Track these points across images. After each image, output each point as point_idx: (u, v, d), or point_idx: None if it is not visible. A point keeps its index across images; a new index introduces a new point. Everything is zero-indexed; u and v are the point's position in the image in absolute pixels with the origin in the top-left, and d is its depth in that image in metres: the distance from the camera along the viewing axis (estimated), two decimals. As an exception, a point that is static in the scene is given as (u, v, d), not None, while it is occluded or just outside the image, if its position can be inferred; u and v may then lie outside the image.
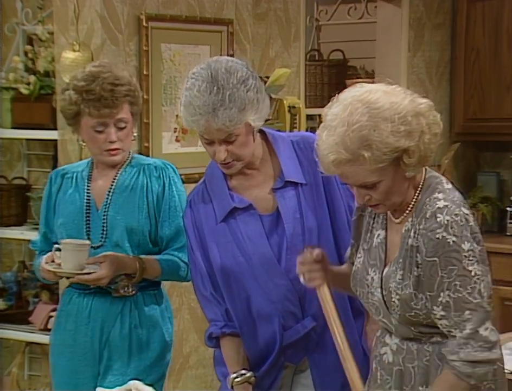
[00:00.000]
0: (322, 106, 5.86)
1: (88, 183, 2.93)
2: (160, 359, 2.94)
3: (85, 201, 2.91)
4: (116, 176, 2.92)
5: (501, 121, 4.90)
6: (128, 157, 2.94)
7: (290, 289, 2.51)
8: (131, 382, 2.40)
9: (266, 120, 2.57)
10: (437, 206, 2.12)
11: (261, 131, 2.57)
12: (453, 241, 2.08)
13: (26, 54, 4.26)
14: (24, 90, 4.09)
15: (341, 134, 2.08)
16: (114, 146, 2.84)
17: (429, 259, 2.11)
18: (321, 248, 2.44)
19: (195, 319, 4.20)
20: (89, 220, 2.89)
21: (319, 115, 5.24)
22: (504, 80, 4.93)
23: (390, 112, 2.08)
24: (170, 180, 2.90)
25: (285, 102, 4.37)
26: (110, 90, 2.78)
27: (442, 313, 2.11)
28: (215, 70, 2.41)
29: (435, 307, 2.11)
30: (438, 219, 2.10)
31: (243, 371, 2.55)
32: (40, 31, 4.16)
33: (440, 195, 2.14)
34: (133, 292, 2.90)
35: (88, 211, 2.90)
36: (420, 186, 2.18)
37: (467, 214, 2.11)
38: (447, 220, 2.09)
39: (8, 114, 4.18)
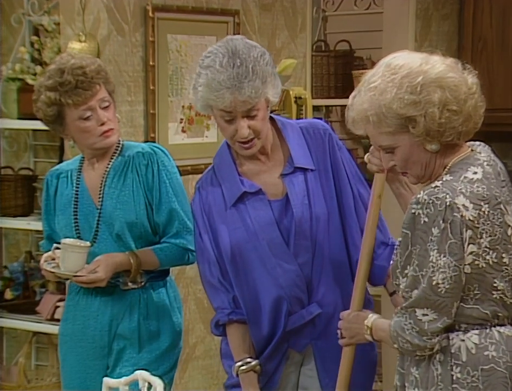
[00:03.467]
0: (329, 97, 5.84)
1: (77, 180, 2.91)
2: (171, 349, 2.94)
3: (73, 197, 2.90)
4: (107, 168, 2.89)
5: (509, 112, 4.88)
6: (119, 145, 2.93)
7: (299, 274, 2.52)
8: (137, 372, 2.40)
9: (273, 111, 2.58)
10: (431, 185, 2.13)
11: (270, 118, 2.58)
12: (424, 221, 2.09)
13: (32, 44, 4.26)
14: (30, 81, 4.09)
15: (359, 94, 2.16)
16: (106, 127, 2.82)
17: (404, 230, 2.14)
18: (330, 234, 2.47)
19: (201, 310, 4.20)
20: (76, 216, 2.88)
21: (326, 106, 5.27)
22: (511, 70, 4.92)
23: (404, 79, 2.10)
24: (158, 166, 2.87)
25: (291, 93, 4.36)
26: (82, 74, 2.78)
27: (404, 284, 2.14)
28: (233, 46, 2.45)
29: (401, 277, 2.15)
30: (419, 196, 2.12)
31: (249, 359, 2.56)
32: (46, 21, 4.16)
33: (445, 177, 2.14)
34: (142, 283, 2.90)
35: (75, 206, 2.89)
36: (448, 167, 2.17)
37: (456, 205, 2.08)
38: (424, 199, 2.10)
39: (14, 105, 4.18)
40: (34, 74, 4.09)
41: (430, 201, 2.09)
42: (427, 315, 2.10)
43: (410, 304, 2.12)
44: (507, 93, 5.03)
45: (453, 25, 5.19)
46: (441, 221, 2.08)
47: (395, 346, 2.15)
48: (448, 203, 2.08)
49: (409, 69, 2.11)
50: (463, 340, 2.13)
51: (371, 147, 2.33)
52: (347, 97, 5.76)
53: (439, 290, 2.08)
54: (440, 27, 5.17)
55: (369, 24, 5.10)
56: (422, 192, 2.11)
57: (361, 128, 2.18)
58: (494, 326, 2.16)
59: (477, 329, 2.15)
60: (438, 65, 2.14)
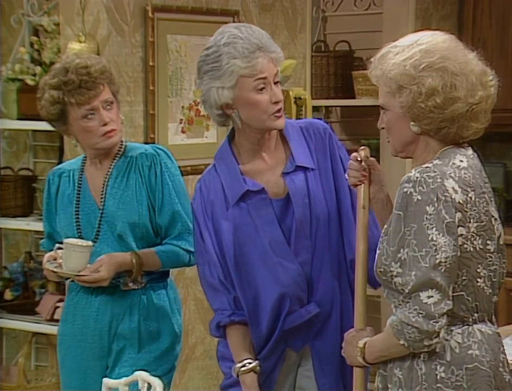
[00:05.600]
0: (329, 97, 5.83)
1: (79, 180, 2.92)
2: (170, 350, 2.94)
3: (75, 197, 2.90)
4: (110, 168, 2.90)
5: (508, 112, 4.88)
6: (122, 146, 2.93)
7: (301, 273, 2.53)
8: (137, 372, 2.40)
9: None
10: (422, 165, 2.14)
11: None
12: (418, 199, 2.08)
13: (32, 45, 4.27)
14: (30, 81, 4.10)
15: (390, 45, 2.20)
16: (109, 127, 2.82)
17: (396, 212, 2.12)
18: (330, 235, 2.51)
19: (201, 310, 4.20)
20: (78, 216, 2.88)
21: (325, 106, 5.27)
22: (511, 70, 4.91)
23: (419, 53, 2.14)
24: (161, 167, 2.88)
25: (290, 93, 4.37)
26: (86, 73, 2.79)
27: (399, 270, 2.11)
28: (237, 25, 2.53)
29: (393, 263, 2.12)
30: (410, 174, 2.12)
31: (249, 360, 2.56)
32: (46, 22, 4.16)
33: (435, 161, 2.15)
34: (143, 284, 2.90)
35: (77, 205, 2.89)
36: (438, 154, 2.18)
37: (445, 186, 2.09)
38: (416, 177, 2.10)
39: (14, 105, 4.19)
40: (34, 75, 4.10)
41: (423, 179, 2.09)
42: (432, 296, 2.06)
43: (413, 289, 2.07)
44: (507, 94, 5.02)
45: (452, 25, 5.19)
46: (435, 199, 2.08)
47: (401, 341, 2.10)
48: (439, 183, 2.09)
49: (431, 48, 2.15)
50: (447, 340, 2.12)
51: (349, 161, 2.35)
52: (347, 98, 5.76)
53: (441, 269, 2.06)
54: (440, 27, 5.14)
55: (369, 25, 5.10)
56: (413, 171, 2.12)
57: (374, 79, 2.21)
58: (475, 323, 2.15)
59: (459, 327, 2.14)
60: (459, 61, 2.15)
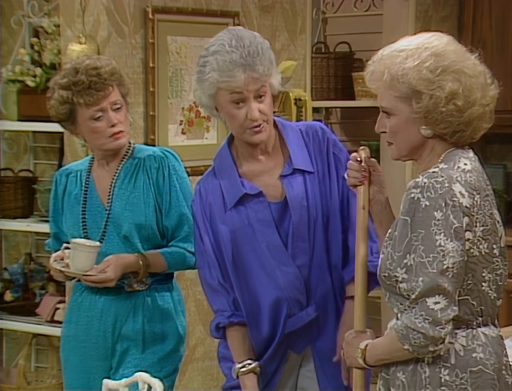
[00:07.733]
0: (329, 99, 5.83)
1: (87, 180, 2.92)
2: (174, 352, 2.94)
3: (82, 197, 2.90)
4: (117, 169, 2.91)
5: (508, 114, 4.88)
6: (130, 147, 2.94)
7: (298, 276, 2.53)
8: (137, 373, 2.39)
9: (273, 112, 2.58)
10: (429, 170, 2.13)
11: None
12: (426, 205, 2.07)
13: (32, 46, 4.28)
14: (30, 82, 4.11)
15: (389, 49, 2.19)
16: (117, 129, 2.83)
17: (402, 217, 2.11)
18: (329, 236, 2.51)
19: (201, 311, 4.20)
20: (84, 216, 2.89)
21: (325, 108, 5.27)
22: (511, 72, 4.91)
23: (432, 57, 2.13)
24: (169, 170, 2.89)
25: (291, 95, 4.37)
26: (96, 75, 2.80)
27: (405, 275, 2.10)
28: (236, 32, 2.51)
29: (398, 269, 2.10)
30: (417, 179, 2.11)
31: (249, 361, 2.56)
32: (46, 23, 4.16)
33: (441, 165, 2.14)
34: (147, 286, 2.90)
35: (84, 206, 2.90)
36: (442, 156, 2.17)
37: (453, 191, 2.08)
38: (424, 183, 2.09)
39: (14, 106, 4.19)
40: (34, 76, 4.10)
41: (430, 184, 2.08)
42: (439, 302, 2.05)
43: (420, 295, 2.06)
44: (507, 95, 5.02)
45: (452, 27, 5.19)
46: (443, 204, 2.07)
47: (406, 346, 2.09)
48: (447, 187, 2.08)
49: (441, 51, 2.14)
50: (451, 343, 2.12)
51: (349, 161, 2.35)
52: (347, 99, 5.76)
53: (449, 274, 2.05)
54: (440, 29, 5.16)
55: (369, 26, 5.10)
56: (420, 176, 2.11)
57: (375, 83, 2.19)
58: (479, 326, 2.15)
59: (464, 330, 2.14)
60: (467, 62, 2.15)
